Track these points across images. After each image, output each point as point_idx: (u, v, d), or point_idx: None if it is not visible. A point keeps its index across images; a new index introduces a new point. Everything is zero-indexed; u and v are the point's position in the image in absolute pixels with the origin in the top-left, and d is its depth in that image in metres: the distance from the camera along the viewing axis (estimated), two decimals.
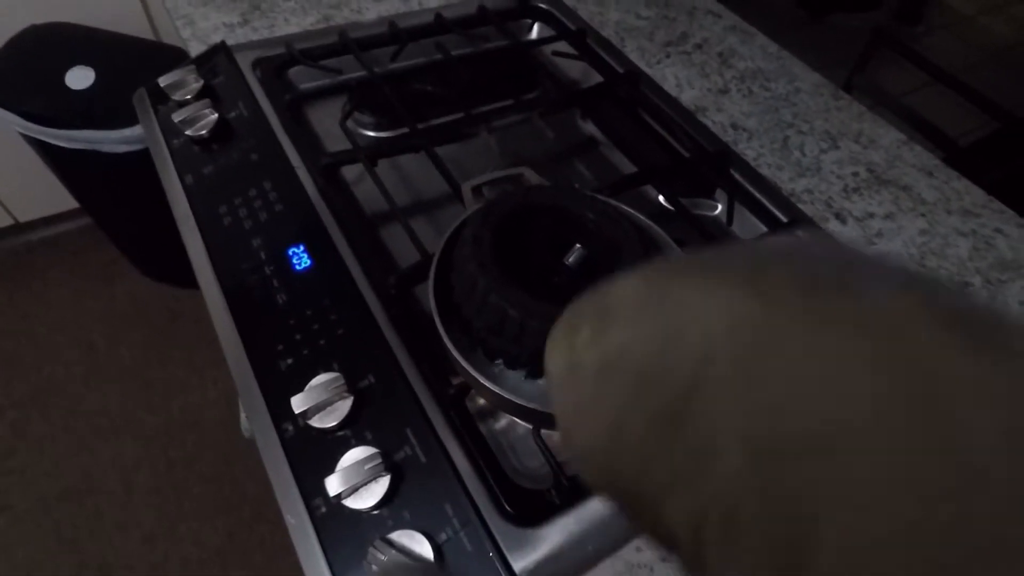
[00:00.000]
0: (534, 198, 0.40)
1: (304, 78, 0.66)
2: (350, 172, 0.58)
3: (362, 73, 0.64)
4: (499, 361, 0.37)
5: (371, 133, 0.63)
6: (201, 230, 0.51)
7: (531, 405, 0.35)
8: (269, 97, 0.59)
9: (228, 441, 1.17)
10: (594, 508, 0.38)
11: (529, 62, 0.72)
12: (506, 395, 0.35)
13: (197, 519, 1.10)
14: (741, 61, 0.77)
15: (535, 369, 0.37)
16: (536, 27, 0.76)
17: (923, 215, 0.62)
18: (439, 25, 0.70)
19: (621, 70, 0.68)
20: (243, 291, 0.48)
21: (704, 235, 0.53)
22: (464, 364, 0.35)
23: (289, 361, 0.44)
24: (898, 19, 2.42)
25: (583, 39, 0.71)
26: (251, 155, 0.55)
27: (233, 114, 0.58)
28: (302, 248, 0.49)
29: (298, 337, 0.45)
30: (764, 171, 0.63)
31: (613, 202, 0.43)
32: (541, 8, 0.76)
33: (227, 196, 0.53)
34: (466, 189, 0.43)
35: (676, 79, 0.73)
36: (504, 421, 0.46)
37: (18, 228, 1.39)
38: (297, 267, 0.48)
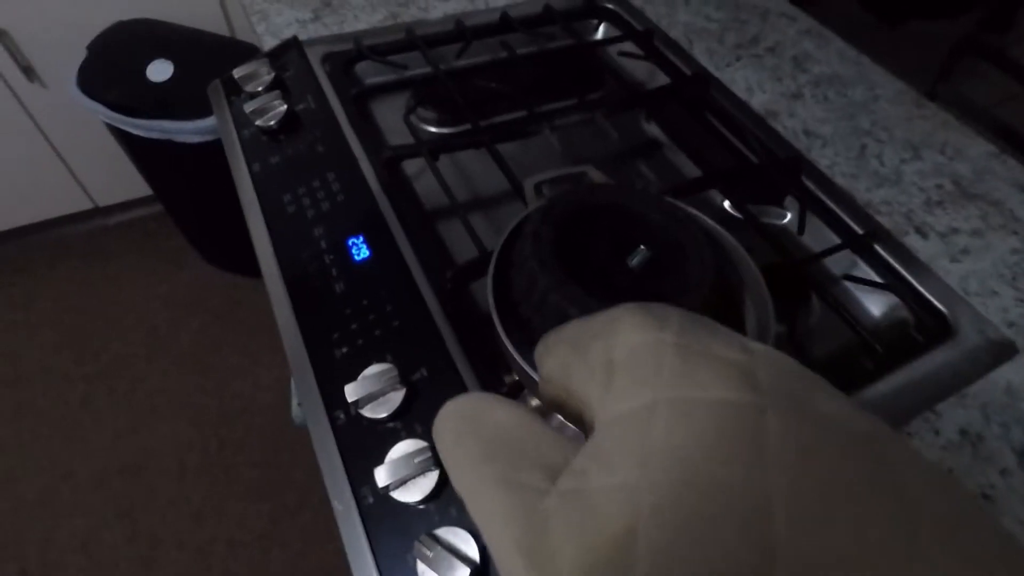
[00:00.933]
0: (598, 196, 0.39)
1: (371, 73, 0.67)
2: (411, 166, 0.58)
3: (427, 70, 0.64)
4: None
5: (433, 129, 0.64)
6: (265, 217, 0.52)
7: None
8: (336, 91, 0.60)
9: (277, 428, 1.20)
10: None
11: (594, 62, 0.70)
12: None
13: (244, 501, 1.13)
14: (816, 66, 0.73)
15: None
16: (602, 27, 0.75)
17: (1015, 232, 0.57)
18: (505, 23, 0.70)
19: (689, 72, 0.66)
20: (303, 278, 0.48)
21: (772, 243, 0.50)
22: (521, 362, 0.34)
23: (344, 350, 0.44)
24: (985, 27, 2.28)
25: (650, 40, 0.70)
26: (317, 146, 0.56)
27: (301, 106, 0.60)
28: (361, 239, 0.50)
29: (354, 326, 0.45)
30: (838, 180, 0.60)
31: (680, 204, 0.41)
32: (608, 8, 0.75)
33: (292, 185, 0.54)
34: (528, 186, 0.43)
35: (746, 82, 0.70)
36: (555, 420, 0.45)
37: (97, 212, 1.48)
38: (356, 257, 0.49)
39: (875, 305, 0.53)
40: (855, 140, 0.65)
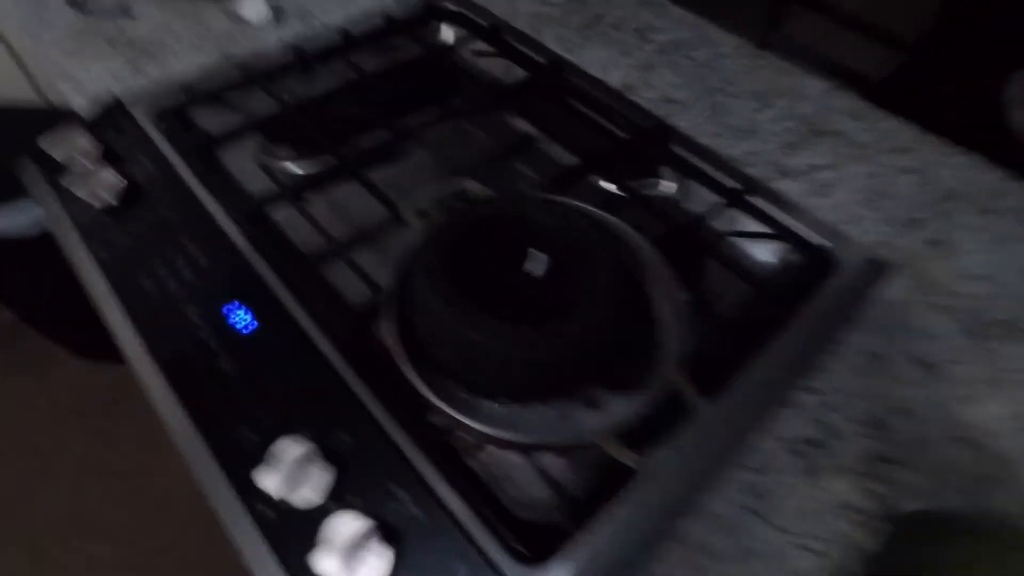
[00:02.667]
0: (482, 212, 0.37)
1: (212, 121, 0.60)
2: (281, 213, 0.53)
3: (272, 106, 0.59)
4: (480, 396, 0.34)
5: (294, 168, 0.59)
6: (124, 305, 0.46)
7: (521, 439, 0.32)
8: (176, 147, 0.54)
9: (205, 523, 1.09)
10: (609, 529, 0.36)
11: (448, 66, 0.69)
12: (497, 433, 0.31)
13: None
14: (659, 34, 0.76)
15: (519, 394, 0.34)
16: (450, 29, 0.73)
17: (863, 159, 0.62)
18: (347, 43, 0.66)
19: (544, 61, 0.66)
20: (182, 364, 0.43)
21: (658, 215, 0.51)
22: (444, 407, 0.32)
23: (251, 435, 0.39)
24: None
25: (499, 35, 0.69)
26: (167, 214, 0.50)
27: (138, 173, 0.53)
28: (238, 304, 0.45)
29: (256, 407, 0.40)
30: (704, 140, 0.62)
31: (562, 199, 0.40)
32: (450, 9, 0.73)
33: (145, 262, 0.48)
34: (408, 213, 0.40)
35: (600, 62, 0.71)
36: (493, 452, 0.43)
37: None
38: (238, 327, 0.44)
39: (765, 254, 0.55)
40: (709, 99, 0.68)
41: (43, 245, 0.90)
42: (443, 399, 0.33)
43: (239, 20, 0.69)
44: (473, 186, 0.42)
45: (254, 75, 0.60)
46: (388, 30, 0.69)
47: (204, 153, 0.54)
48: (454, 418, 0.32)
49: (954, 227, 0.56)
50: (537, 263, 0.36)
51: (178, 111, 0.58)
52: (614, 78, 0.69)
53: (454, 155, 0.60)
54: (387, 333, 0.34)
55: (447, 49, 0.67)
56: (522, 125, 0.66)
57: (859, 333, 0.48)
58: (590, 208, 0.41)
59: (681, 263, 0.50)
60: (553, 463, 0.42)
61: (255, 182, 0.56)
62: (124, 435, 1.20)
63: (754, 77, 0.71)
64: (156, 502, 1.13)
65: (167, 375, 0.43)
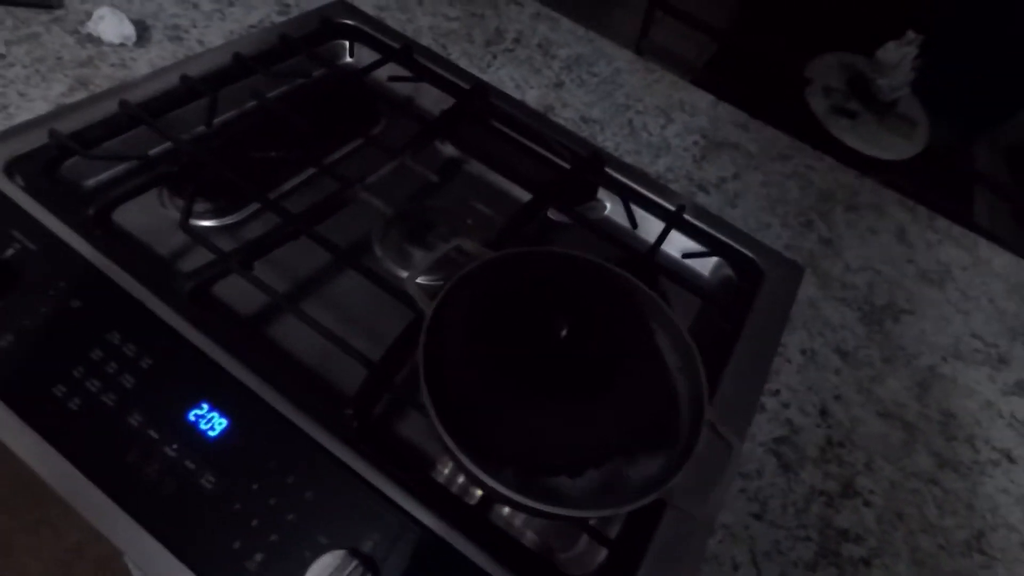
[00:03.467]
0: (496, 284, 0.36)
1: (86, 171, 0.50)
2: (224, 286, 0.45)
3: (167, 146, 0.51)
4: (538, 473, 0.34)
5: (211, 223, 0.51)
6: (40, 430, 0.37)
7: (602, 512, 0.32)
8: (56, 213, 0.44)
9: None
10: (649, 564, 0.38)
11: (359, 90, 0.63)
12: (568, 512, 0.31)
13: None
14: (560, 49, 0.78)
15: (574, 469, 0.34)
16: (361, 52, 0.67)
17: (757, 168, 0.70)
18: (240, 67, 0.58)
19: (466, 86, 0.64)
20: (145, 490, 0.36)
21: (612, 241, 0.53)
22: (511, 494, 0.31)
23: (258, 557, 0.34)
24: None
25: (410, 56, 0.65)
26: (69, 302, 0.41)
27: (10, 252, 0.42)
28: (206, 406, 0.38)
29: (255, 522, 0.35)
30: (628, 159, 0.65)
31: (570, 253, 0.40)
32: (349, 25, 0.67)
33: (59, 371, 0.38)
34: (413, 288, 0.37)
35: (513, 81, 0.71)
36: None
37: None
38: (210, 433, 0.38)
39: (703, 269, 0.60)
40: (622, 117, 0.71)
41: None
42: (498, 480, 0.32)
43: (96, 42, 0.57)
44: (467, 244, 0.40)
45: (134, 112, 0.50)
46: (283, 51, 0.61)
47: (100, 218, 0.45)
48: (514, 499, 0.32)
49: (834, 225, 0.67)
50: (560, 327, 0.36)
51: (42, 161, 0.47)
52: (531, 98, 0.70)
53: (398, 193, 0.56)
54: (439, 426, 0.31)
55: (356, 74, 0.62)
56: (448, 150, 0.64)
57: (792, 333, 0.55)
58: (590, 258, 0.42)
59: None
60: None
61: (166, 244, 0.48)
62: None
63: (653, 92, 0.76)
64: None
65: (125, 505, 0.35)
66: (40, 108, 0.51)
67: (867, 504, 0.46)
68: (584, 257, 0.41)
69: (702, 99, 0.77)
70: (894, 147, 1.48)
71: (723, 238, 0.58)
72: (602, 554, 0.39)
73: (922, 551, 0.44)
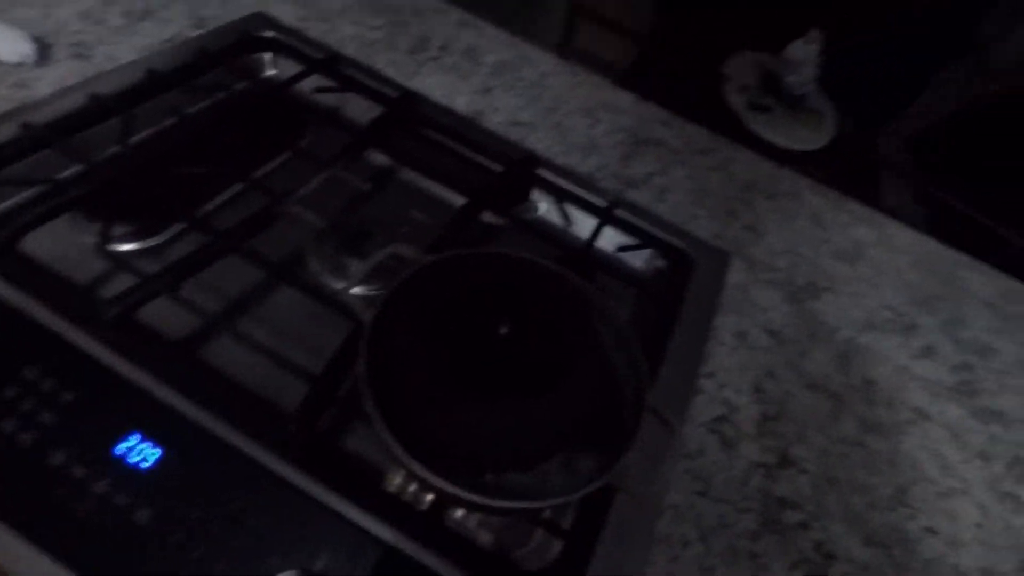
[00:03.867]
0: (440, 287, 0.37)
1: None
2: (148, 311, 0.43)
3: (78, 168, 0.48)
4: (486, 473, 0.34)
5: (133, 246, 0.49)
6: None
7: (552, 501, 0.33)
8: None
9: None
10: (608, 545, 0.38)
11: (283, 103, 0.62)
12: (511, 505, 0.32)
13: None
14: (486, 55, 0.79)
15: (524, 464, 0.35)
16: (283, 63, 0.66)
17: (681, 163, 0.74)
18: (156, 83, 0.56)
19: (394, 94, 0.63)
20: (74, 533, 0.34)
21: (547, 240, 0.55)
22: (462, 493, 0.31)
23: None
24: None
25: (336, 67, 0.64)
26: None
27: None
28: (135, 436, 0.36)
29: (197, 553, 0.34)
30: (559, 160, 0.67)
31: (502, 251, 0.41)
32: (269, 37, 0.66)
33: None
34: (350, 298, 0.37)
35: (441, 88, 0.71)
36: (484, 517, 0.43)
37: None
38: (143, 465, 0.36)
39: (635, 261, 0.62)
40: (550, 119, 0.73)
41: None
42: (450, 481, 0.32)
43: None
44: (404, 250, 0.40)
45: (41, 133, 0.48)
46: (202, 65, 0.59)
47: (6, 248, 0.42)
48: (467, 499, 0.32)
49: (756, 213, 0.70)
50: (503, 326, 0.37)
51: None
52: (460, 104, 0.70)
53: (334, 206, 0.55)
54: (383, 429, 0.31)
55: (281, 86, 0.61)
56: (379, 159, 0.64)
57: (723, 317, 0.58)
58: (532, 258, 0.42)
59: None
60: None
61: (83, 271, 0.45)
62: None
63: (578, 94, 0.78)
64: None
65: (51, 551, 0.33)
66: None
67: (802, 472, 0.48)
68: (521, 256, 0.42)
69: (624, 99, 0.80)
70: (806, 139, 1.57)
71: (653, 231, 0.60)
72: (557, 546, 0.40)
73: (853, 510, 0.47)
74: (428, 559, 0.35)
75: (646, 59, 1.98)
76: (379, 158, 0.64)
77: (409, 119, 0.63)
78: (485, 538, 0.40)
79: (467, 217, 0.53)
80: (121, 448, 0.36)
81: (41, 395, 0.37)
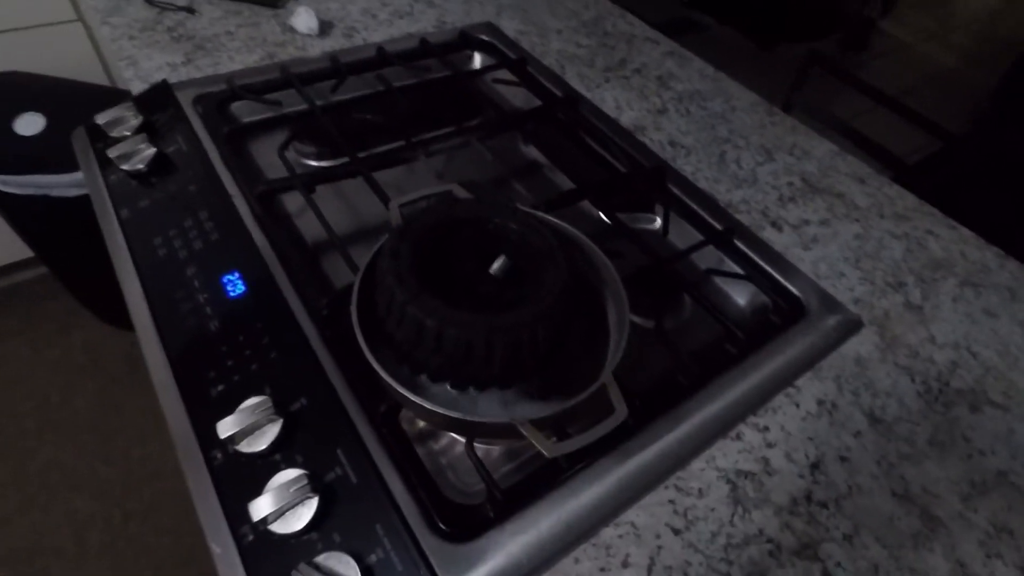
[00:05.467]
0: (457, 212, 0.41)
1: (246, 112, 0.66)
2: (293, 203, 0.58)
3: (303, 106, 0.65)
4: (424, 375, 0.37)
5: (312, 163, 0.64)
6: (135, 262, 0.50)
7: (456, 415, 0.34)
8: (208, 130, 0.60)
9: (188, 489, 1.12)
10: (530, 520, 0.37)
11: (471, 90, 0.73)
12: (431, 407, 0.34)
13: (154, 573, 1.05)
14: (679, 83, 0.80)
15: (459, 380, 0.37)
16: (478, 57, 0.78)
17: (857, 220, 0.64)
18: (381, 58, 0.72)
19: (560, 94, 0.70)
20: (175, 320, 0.47)
21: (641, 247, 0.54)
22: (388, 379, 0.35)
23: (220, 388, 0.43)
24: (843, 47, 2.54)
25: (523, 67, 0.74)
26: (189, 187, 0.55)
27: (172, 148, 0.58)
28: (237, 275, 0.49)
29: (230, 363, 0.44)
30: (702, 184, 0.65)
31: (538, 213, 0.43)
32: (483, 40, 0.79)
33: (163, 228, 0.52)
34: (394, 207, 0.44)
35: (615, 101, 0.75)
36: (443, 440, 0.45)
37: None
38: (231, 294, 0.48)
39: (739, 295, 0.57)
40: (715, 148, 0.70)
41: (86, 209, 0.98)
42: (391, 374, 0.36)
43: (290, 30, 0.76)
44: (459, 191, 0.46)
45: (290, 77, 0.66)
46: (421, 52, 0.74)
47: (232, 138, 0.60)
48: (399, 392, 0.35)
49: (934, 295, 0.57)
50: (499, 265, 0.39)
51: (217, 100, 0.64)
52: (626, 118, 0.73)
53: (461, 170, 0.64)
54: (352, 311, 0.37)
55: (470, 74, 0.72)
56: (532, 152, 0.70)
57: (816, 380, 0.49)
58: (563, 224, 0.44)
59: (656, 294, 0.52)
60: (491, 459, 0.44)
61: (276, 172, 0.61)
62: (129, 402, 1.26)
63: (764, 133, 0.74)
64: (145, 468, 1.17)
65: (159, 325, 0.47)
66: (236, 67, 0.70)
67: (825, 574, 0.39)
68: (556, 222, 0.43)
69: (822, 146, 0.72)
70: None
71: (765, 266, 0.54)
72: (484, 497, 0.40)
73: None
74: (367, 434, 0.39)
75: (946, 155, 1.68)
76: (532, 152, 0.70)
77: (563, 117, 0.68)
78: (430, 459, 0.42)
79: (562, 202, 0.56)
80: (225, 278, 0.49)
81: (202, 230, 0.52)
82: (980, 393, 0.50)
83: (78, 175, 0.95)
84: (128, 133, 0.59)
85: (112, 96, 1.07)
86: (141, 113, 0.60)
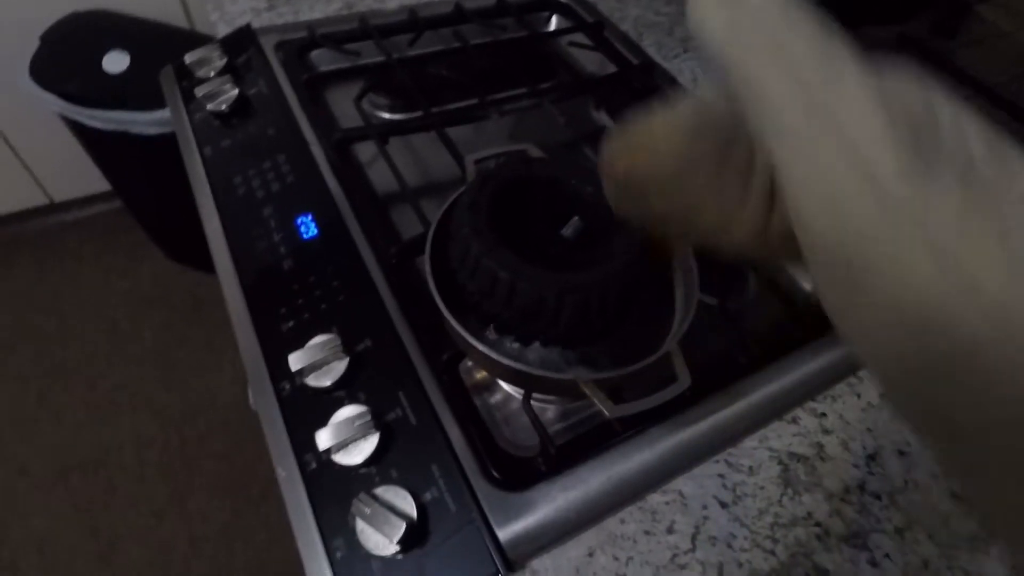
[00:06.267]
0: (534, 169, 0.41)
1: (325, 61, 0.67)
2: (365, 153, 0.59)
3: (380, 58, 0.66)
4: (492, 327, 0.38)
5: (386, 115, 0.65)
6: (216, 199, 0.53)
7: (521, 367, 0.35)
8: (288, 76, 0.61)
9: (240, 423, 1.19)
10: (580, 477, 0.38)
11: (546, 52, 0.72)
12: (496, 357, 0.35)
13: (205, 496, 1.12)
14: None
15: (525, 334, 0.37)
16: (555, 19, 0.77)
17: None
18: (459, 15, 0.71)
19: (636, 62, 0.68)
20: (251, 256, 0.49)
21: None
22: (457, 327, 0.36)
23: (291, 323, 0.45)
24: (933, 32, 2.38)
25: (600, 31, 0.72)
26: (268, 130, 0.57)
27: (253, 91, 0.60)
28: (310, 218, 0.50)
29: (300, 301, 0.46)
30: None
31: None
32: (560, 2, 0.77)
33: (242, 168, 0.54)
34: (469, 162, 0.44)
35: (692, 73, 0.73)
36: (499, 395, 0.46)
37: (53, 208, 1.45)
38: (304, 235, 0.50)
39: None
40: None
41: (165, 149, 1.02)
42: (460, 322, 0.37)
43: None
44: (533, 150, 0.46)
45: (369, 28, 0.67)
46: (499, 10, 0.73)
47: (311, 85, 0.61)
48: (464, 339, 0.36)
49: None
50: (572, 227, 0.39)
51: (298, 46, 0.65)
52: (701, 92, 0.71)
53: (531, 131, 0.64)
54: (425, 260, 0.38)
55: (548, 36, 0.71)
56: (603, 118, 0.69)
57: None
58: None
59: (723, 271, 0.52)
60: (545, 417, 0.45)
61: (350, 121, 0.62)
62: (192, 335, 1.33)
63: None
64: (203, 398, 1.24)
65: (236, 261, 0.49)
66: (316, 16, 0.71)
67: (873, 563, 0.38)
68: None
69: None
70: None
71: None
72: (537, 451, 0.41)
73: None
74: (425, 376, 0.41)
75: None
76: (602, 117, 0.69)
77: (636, 85, 0.67)
78: (486, 409, 0.44)
79: None
80: (300, 220, 0.50)
81: (279, 172, 0.53)
82: None
83: (158, 114, 0.99)
84: (213, 74, 0.61)
85: (193, 39, 1.10)
86: (226, 55, 0.62)
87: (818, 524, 0.40)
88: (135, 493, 1.12)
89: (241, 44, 0.65)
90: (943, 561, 0.39)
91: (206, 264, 1.37)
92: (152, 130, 1.01)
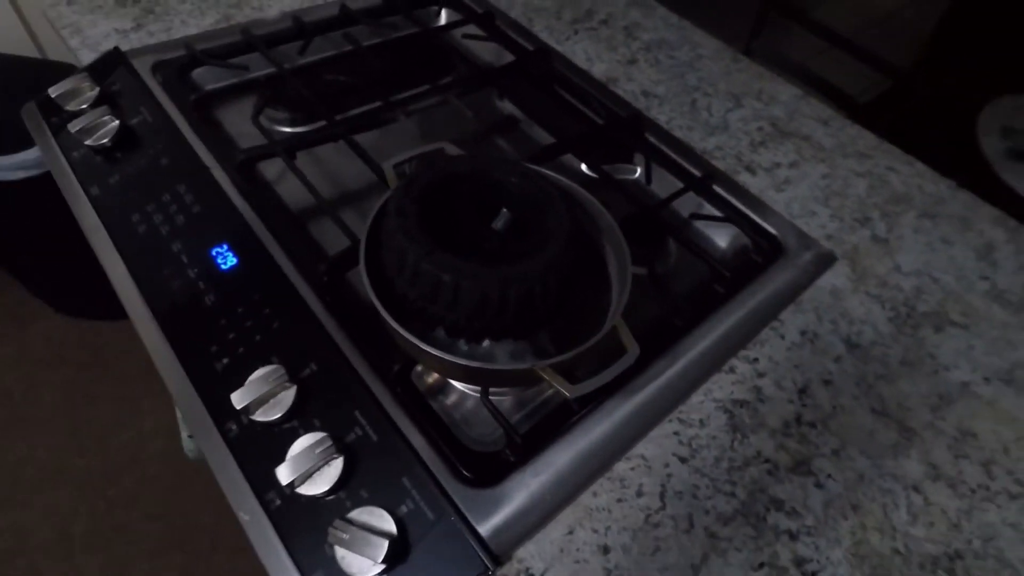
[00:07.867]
0: (456, 167, 0.41)
1: (210, 79, 0.63)
2: (272, 170, 0.56)
3: (270, 69, 0.63)
4: (441, 330, 0.38)
5: (287, 129, 0.62)
6: (115, 241, 0.49)
7: (478, 365, 0.35)
8: (173, 99, 0.57)
9: (173, 472, 1.11)
10: (548, 460, 0.39)
11: (441, 47, 0.72)
12: (452, 359, 0.35)
13: (147, 560, 1.04)
14: (645, 33, 0.80)
15: (475, 332, 0.38)
16: (444, 13, 0.77)
17: (823, 160, 0.67)
18: (345, 17, 0.69)
19: (531, 48, 0.69)
20: (167, 297, 0.46)
21: (627, 196, 0.55)
22: (406, 335, 0.35)
23: (225, 361, 0.42)
24: None
25: (491, 21, 0.72)
26: (160, 160, 0.53)
27: (135, 120, 0.56)
28: (226, 247, 0.48)
29: (232, 336, 0.43)
30: (677, 133, 0.66)
31: (532, 166, 0.44)
32: None
33: (139, 204, 0.50)
34: (388, 168, 0.43)
35: (586, 54, 0.75)
36: (454, 396, 0.46)
37: None
38: (223, 266, 0.47)
39: (720, 238, 0.59)
40: (686, 96, 0.72)
41: (33, 193, 0.92)
42: (408, 330, 0.36)
43: None
44: (450, 148, 0.45)
45: (254, 40, 0.63)
46: (386, 9, 0.72)
47: (199, 106, 0.57)
48: (416, 346, 0.36)
49: (897, 227, 0.61)
50: (502, 218, 0.40)
51: (177, 66, 0.61)
52: (598, 70, 0.73)
53: (440, 128, 0.64)
54: (362, 272, 0.37)
55: (441, 30, 0.71)
56: (508, 107, 0.70)
57: (798, 313, 0.52)
58: (560, 177, 0.45)
59: (643, 241, 0.54)
60: (503, 409, 0.45)
61: (250, 140, 0.59)
62: (98, 390, 1.22)
63: (731, 79, 0.75)
64: (124, 455, 1.15)
65: (152, 305, 0.45)
66: (191, 32, 0.67)
67: (819, 486, 0.42)
68: (550, 174, 0.44)
69: (787, 91, 0.75)
70: None
71: (744, 208, 0.57)
72: (502, 443, 0.42)
73: (869, 546, 0.40)
74: (382, 396, 0.40)
75: (896, 94, 1.74)
76: (507, 106, 0.70)
77: (536, 71, 0.68)
78: (444, 412, 0.44)
79: (546, 154, 0.56)
80: (214, 250, 0.47)
81: (182, 203, 0.50)
82: (942, 315, 0.54)
83: (20, 156, 0.89)
84: (86, 106, 0.56)
85: (50, 70, 1.00)
86: (97, 84, 0.57)
87: (767, 460, 0.43)
88: (65, 572, 1.02)
89: (111, 70, 0.60)
90: (875, 471, 0.43)
91: (105, 312, 1.26)
92: (18, 175, 0.91)
